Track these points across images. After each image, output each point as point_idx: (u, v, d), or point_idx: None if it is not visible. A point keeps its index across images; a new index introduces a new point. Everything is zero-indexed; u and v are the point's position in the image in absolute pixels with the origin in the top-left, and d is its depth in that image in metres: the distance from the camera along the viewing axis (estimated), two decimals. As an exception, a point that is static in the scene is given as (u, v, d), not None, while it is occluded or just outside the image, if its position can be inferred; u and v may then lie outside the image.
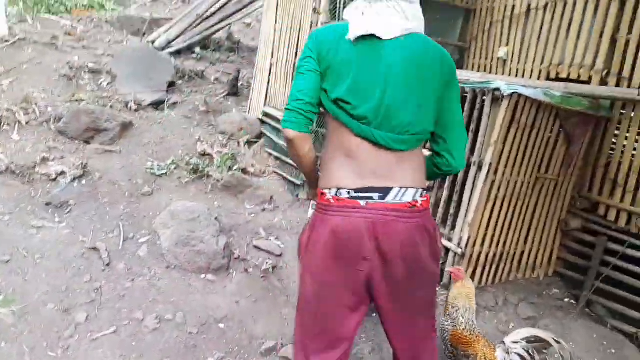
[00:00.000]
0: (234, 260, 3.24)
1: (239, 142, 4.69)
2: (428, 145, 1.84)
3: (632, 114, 3.36)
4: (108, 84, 5.01)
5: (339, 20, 4.14)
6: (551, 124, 3.40)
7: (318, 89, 1.62)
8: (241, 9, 6.54)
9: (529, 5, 4.17)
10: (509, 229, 3.48)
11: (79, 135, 4.08)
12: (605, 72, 3.52)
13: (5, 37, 5.15)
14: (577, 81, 3.64)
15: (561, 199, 3.67)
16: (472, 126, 3.29)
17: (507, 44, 4.40)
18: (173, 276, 3.01)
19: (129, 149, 4.16)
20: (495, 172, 3.24)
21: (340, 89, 1.57)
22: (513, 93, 3.04)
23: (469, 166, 3.25)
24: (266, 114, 4.88)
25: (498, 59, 4.46)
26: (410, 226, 1.59)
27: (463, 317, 2.40)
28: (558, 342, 2.20)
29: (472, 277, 3.31)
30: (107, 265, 2.97)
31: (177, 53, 6.19)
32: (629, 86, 3.36)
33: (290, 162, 4.39)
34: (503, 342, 2.31)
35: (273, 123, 4.72)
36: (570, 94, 3.24)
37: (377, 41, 1.57)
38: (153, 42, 6.11)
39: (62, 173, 3.60)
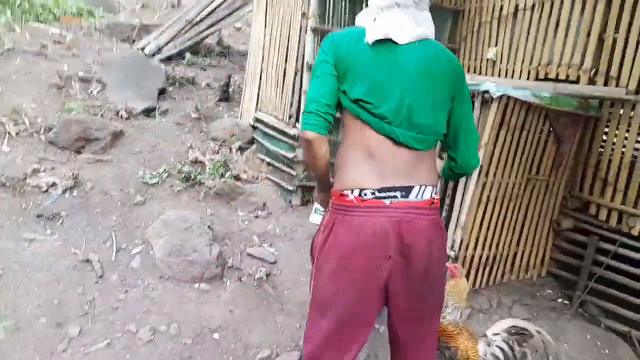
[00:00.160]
0: (228, 268, 3.23)
1: (230, 149, 4.68)
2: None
3: (621, 111, 3.38)
4: (98, 92, 4.98)
5: (328, 24, 4.14)
6: (541, 125, 3.42)
7: (335, 91, 1.68)
8: (230, 14, 6.52)
9: (516, 6, 4.18)
10: (501, 230, 3.50)
11: (70, 145, 4.06)
12: (594, 71, 3.54)
13: (-7, 48, 5.12)
14: (566, 81, 3.66)
15: (553, 199, 3.69)
16: (463, 129, 3.29)
17: (496, 45, 4.41)
18: (166, 286, 3.00)
19: (120, 157, 4.14)
20: (487, 174, 3.25)
21: (359, 89, 1.63)
22: (502, 95, 3.05)
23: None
24: (258, 120, 4.87)
25: (487, 59, 4.47)
26: (430, 223, 1.67)
27: (450, 315, 2.40)
28: (539, 332, 2.21)
29: (466, 279, 3.32)
30: (100, 276, 2.96)
31: (168, 59, 6.17)
32: (617, 85, 3.38)
33: (283, 167, 4.39)
34: (485, 335, 2.33)
35: (265, 128, 4.71)
36: (559, 94, 3.26)
37: (393, 45, 1.65)
38: (143, 48, 6.08)
39: (53, 184, 3.58)
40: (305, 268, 3.45)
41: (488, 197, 3.32)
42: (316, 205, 2.06)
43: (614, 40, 3.43)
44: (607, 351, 2.99)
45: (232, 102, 5.70)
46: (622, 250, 3.29)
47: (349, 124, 1.71)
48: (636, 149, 3.34)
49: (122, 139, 4.36)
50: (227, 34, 7.91)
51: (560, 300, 3.53)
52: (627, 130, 3.35)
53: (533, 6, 4.02)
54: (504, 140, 3.26)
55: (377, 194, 1.62)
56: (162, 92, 5.36)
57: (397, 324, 1.77)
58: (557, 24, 3.82)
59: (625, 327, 3.15)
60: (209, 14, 6.35)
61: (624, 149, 3.36)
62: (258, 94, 4.97)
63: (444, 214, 3.42)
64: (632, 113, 3.30)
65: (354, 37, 1.68)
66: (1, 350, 2.39)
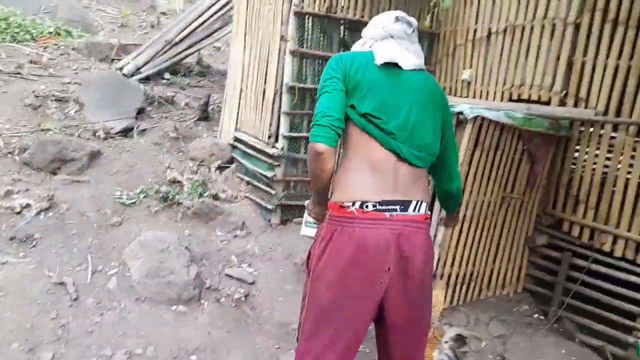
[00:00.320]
0: (205, 290, 3.21)
1: (209, 168, 4.67)
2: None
3: (591, 130, 3.49)
4: (75, 112, 4.94)
5: (306, 47, 4.21)
6: (515, 145, 3.50)
7: (344, 106, 1.76)
8: (210, 35, 6.56)
9: (489, 30, 4.31)
10: (478, 248, 3.55)
11: (45, 166, 4.00)
12: (564, 93, 3.66)
13: (-32, 67, 5.05)
14: (538, 102, 3.77)
15: (527, 216, 3.76)
16: (438, 149, 3.36)
17: (471, 67, 4.53)
18: (143, 309, 2.96)
19: (97, 178, 4.10)
20: (462, 193, 3.30)
21: (369, 105, 1.73)
22: (477, 116, 3.13)
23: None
24: (237, 139, 4.88)
25: (462, 81, 4.58)
26: (426, 237, 1.76)
27: None
28: (477, 338, 2.46)
29: (444, 297, 3.35)
30: (75, 300, 2.91)
31: (146, 79, 6.15)
32: (586, 106, 3.50)
33: (263, 186, 4.39)
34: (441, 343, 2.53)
35: (244, 148, 4.72)
36: (532, 115, 3.36)
37: (399, 70, 1.80)
38: (121, 68, 6.06)
39: (27, 205, 3.52)
40: (284, 288, 3.44)
41: (464, 215, 3.37)
42: (307, 217, 2.08)
43: (583, 64, 3.56)
44: (581, 366, 3.04)
45: (212, 121, 5.71)
46: (594, 266, 3.36)
47: (354, 138, 1.77)
48: (606, 167, 3.44)
49: (99, 159, 4.32)
50: (207, 54, 7.94)
51: (536, 315, 3.58)
52: (597, 149, 3.46)
53: (505, 30, 4.15)
54: (479, 160, 3.33)
55: (378, 207, 1.67)
56: (140, 111, 5.33)
57: (392, 339, 1.77)
58: (528, 48, 3.94)
59: (599, 342, 3.21)
60: (189, 34, 6.38)
61: (594, 167, 3.46)
62: (237, 114, 4.99)
63: (421, 232, 3.46)
64: (601, 131, 3.42)
65: (365, 58, 1.80)
66: (-30, 378, 2.33)
